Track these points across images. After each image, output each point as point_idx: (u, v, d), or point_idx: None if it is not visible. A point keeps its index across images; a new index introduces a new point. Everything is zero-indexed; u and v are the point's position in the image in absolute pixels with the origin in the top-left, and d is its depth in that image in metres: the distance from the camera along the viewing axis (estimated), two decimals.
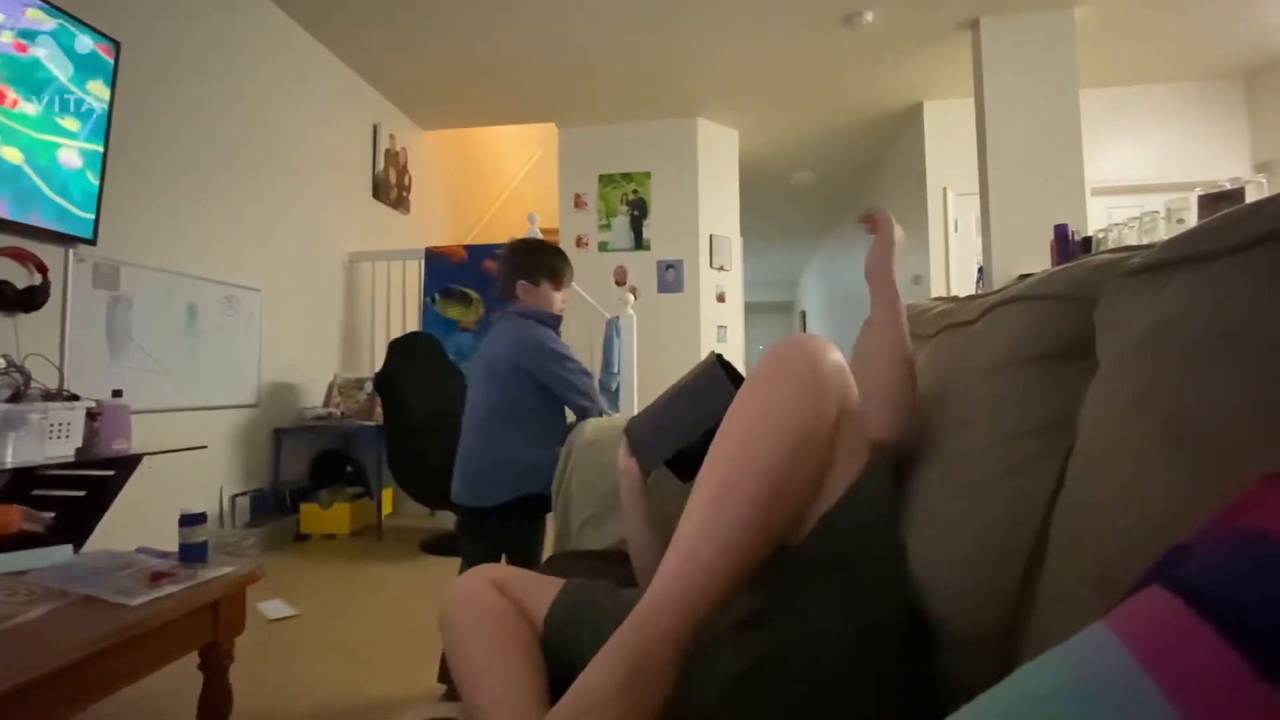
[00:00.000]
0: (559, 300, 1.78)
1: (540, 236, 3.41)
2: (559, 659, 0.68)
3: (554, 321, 1.77)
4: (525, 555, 1.68)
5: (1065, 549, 0.52)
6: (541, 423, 1.68)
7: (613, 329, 3.89)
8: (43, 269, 2.10)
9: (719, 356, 0.94)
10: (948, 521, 0.67)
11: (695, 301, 4.72)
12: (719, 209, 4.92)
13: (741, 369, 1.06)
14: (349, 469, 3.61)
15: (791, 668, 0.59)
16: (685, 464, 0.89)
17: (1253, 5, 3.44)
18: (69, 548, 1.32)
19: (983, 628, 0.60)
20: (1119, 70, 4.02)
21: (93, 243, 2.24)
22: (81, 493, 1.89)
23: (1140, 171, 4.15)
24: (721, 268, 4.91)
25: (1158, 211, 2.87)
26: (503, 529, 1.67)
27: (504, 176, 6.42)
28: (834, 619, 0.59)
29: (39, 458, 1.78)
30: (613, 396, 3.84)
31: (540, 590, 0.76)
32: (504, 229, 5.62)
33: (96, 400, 2.02)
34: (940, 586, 0.66)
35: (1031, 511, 0.58)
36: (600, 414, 1.68)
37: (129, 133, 2.42)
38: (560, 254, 1.81)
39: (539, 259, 1.76)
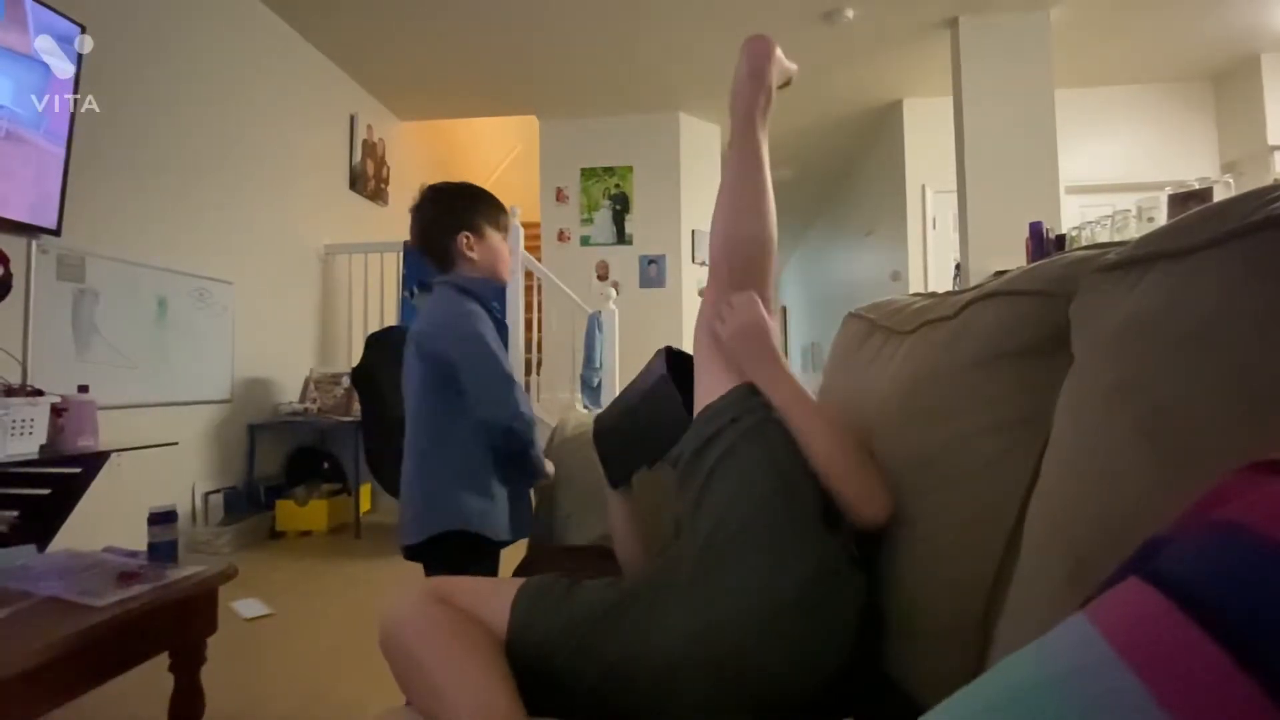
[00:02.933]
0: (506, 253, 1.38)
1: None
2: (525, 658, 0.64)
3: (492, 294, 1.33)
4: None
5: (1040, 541, 0.52)
6: (463, 441, 1.25)
7: (594, 324, 3.88)
8: (4, 260, 2.03)
9: (669, 353, 0.95)
10: (925, 514, 0.67)
11: (678, 296, 4.72)
12: (701, 204, 4.92)
13: None
14: (326, 465, 3.56)
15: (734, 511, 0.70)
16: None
17: (1220, 9, 3.52)
18: (32, 548, 1.28)
19: (958, 618, 0.61)
20: (1092, 71, 4.09)
21: (57, 233, 2.17)
22: (46, 491, 1.84)
23: (1112, 171, 4.23)
24: (704, 263, 4.92)
25: (1129, 210, 2.93)
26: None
27: (484, 169, 6.36)
28: (758, 476, 0.72)
29: (0, 455, 1.72)
30: (594, 392, 3.83)
31: (495, 595, 0.69)
32: None
33: (61, 396, 1.96)
34: (917, 578, 0.67)
35: (1007, 504, 0.59)
36: (523, 434, 1.25)
37: (94, 120, 2.34)
38: (485, 191, 1.39)
39: (475, 201, 1.33)
